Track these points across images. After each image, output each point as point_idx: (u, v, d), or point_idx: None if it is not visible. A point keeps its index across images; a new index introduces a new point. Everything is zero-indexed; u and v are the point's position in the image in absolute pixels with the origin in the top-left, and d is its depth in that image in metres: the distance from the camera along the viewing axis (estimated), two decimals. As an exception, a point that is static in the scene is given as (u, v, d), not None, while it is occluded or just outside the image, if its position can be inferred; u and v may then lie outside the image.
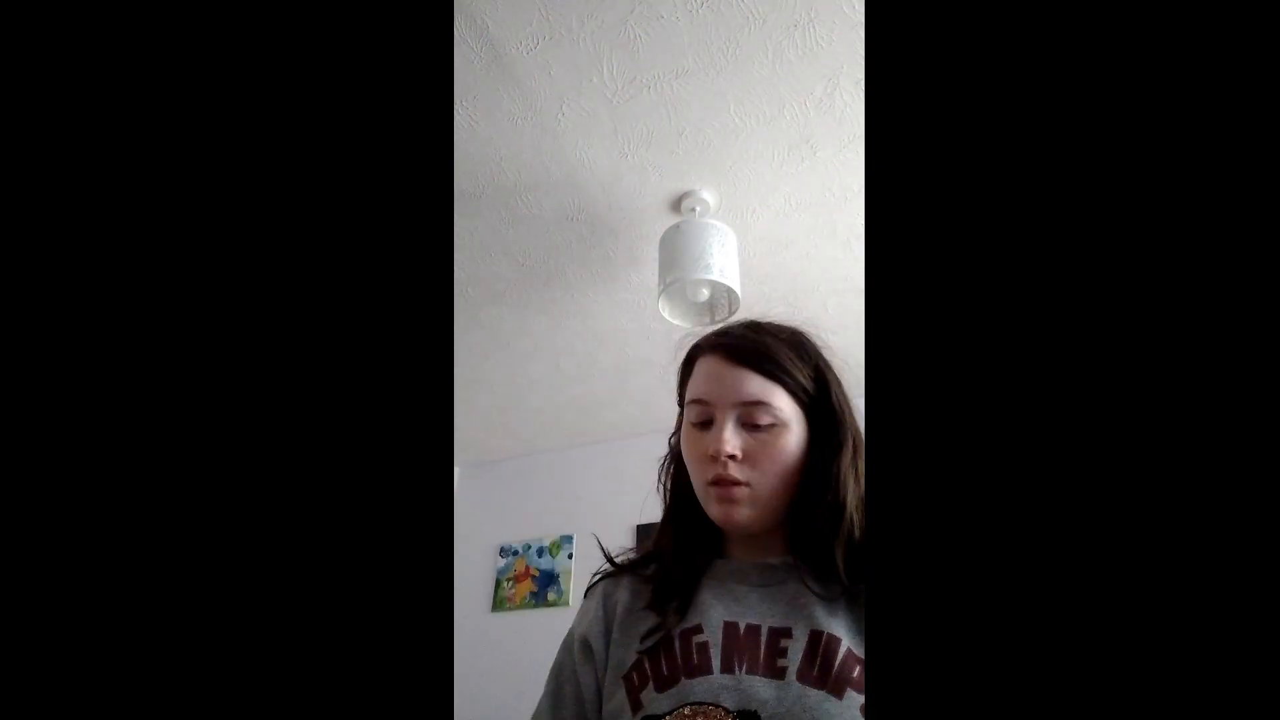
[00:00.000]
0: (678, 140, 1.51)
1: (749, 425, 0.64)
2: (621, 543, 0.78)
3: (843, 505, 0.63)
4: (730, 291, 1.59)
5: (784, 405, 0.64)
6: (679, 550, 0.68)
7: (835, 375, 0.69)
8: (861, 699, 0.55)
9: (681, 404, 0.71)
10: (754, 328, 0.70)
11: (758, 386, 0.64)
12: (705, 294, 1.64)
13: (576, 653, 0.68)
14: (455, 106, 1.41)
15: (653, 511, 0.74)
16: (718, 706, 0.56)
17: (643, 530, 2.35)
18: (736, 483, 0.63)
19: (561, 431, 2.81)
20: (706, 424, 0.65)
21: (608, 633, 0.67)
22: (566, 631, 0.71)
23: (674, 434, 0.74)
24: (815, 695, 0.55)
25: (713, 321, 1.70)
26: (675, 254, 1.55)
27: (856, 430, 0.67)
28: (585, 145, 1.52)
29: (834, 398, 0.67)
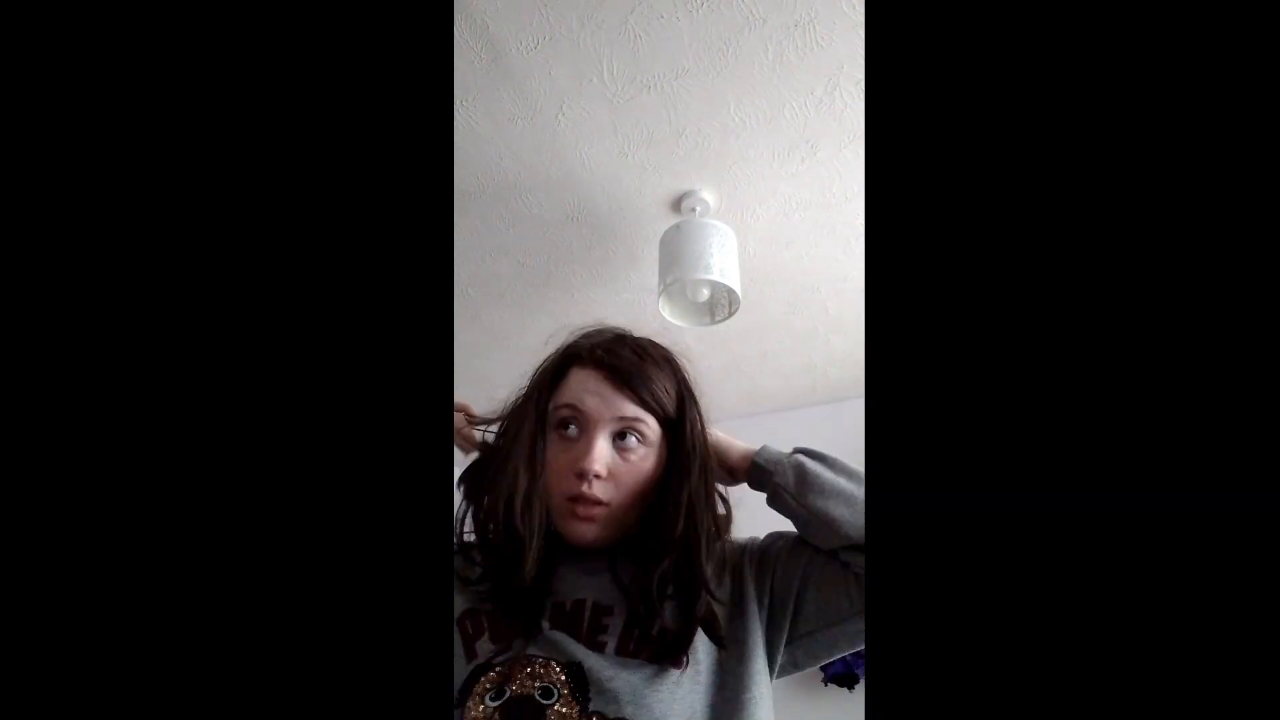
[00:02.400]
0: (678, 140, 1.50)
1: (618, 445, 0.66)
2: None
3: (680, 530, 0.64)
4: (730, 291, 1.59)
5: (653, 428, 0.67)
6: (536, 550, 0.65)
7: (696, 400, 0.71)
8: (677, 673, 0.60)
9: (537, 401, 0.69)
10: (631, 347, 0.71)
11: (634, 410, 0.66)
12: (705, 294, 1.63)
13: None
14: (455, 106, 1.41)
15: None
16: (547, 658, 0.60)
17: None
18: (598, 503, 0.64)
19: (561, 431, 2.80)
20: (573, 438, 0.66)
21: None
22: None
23: (492, 424, 0.72)
24: (633, 662, 0.60)
25: (713, 322, 1.70)
26: (675, 254, 1.55)
27: (705, 454, 0.69)
28: (585, 145, 1.52)
29: (689, 423, 0.69)
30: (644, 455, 0.67)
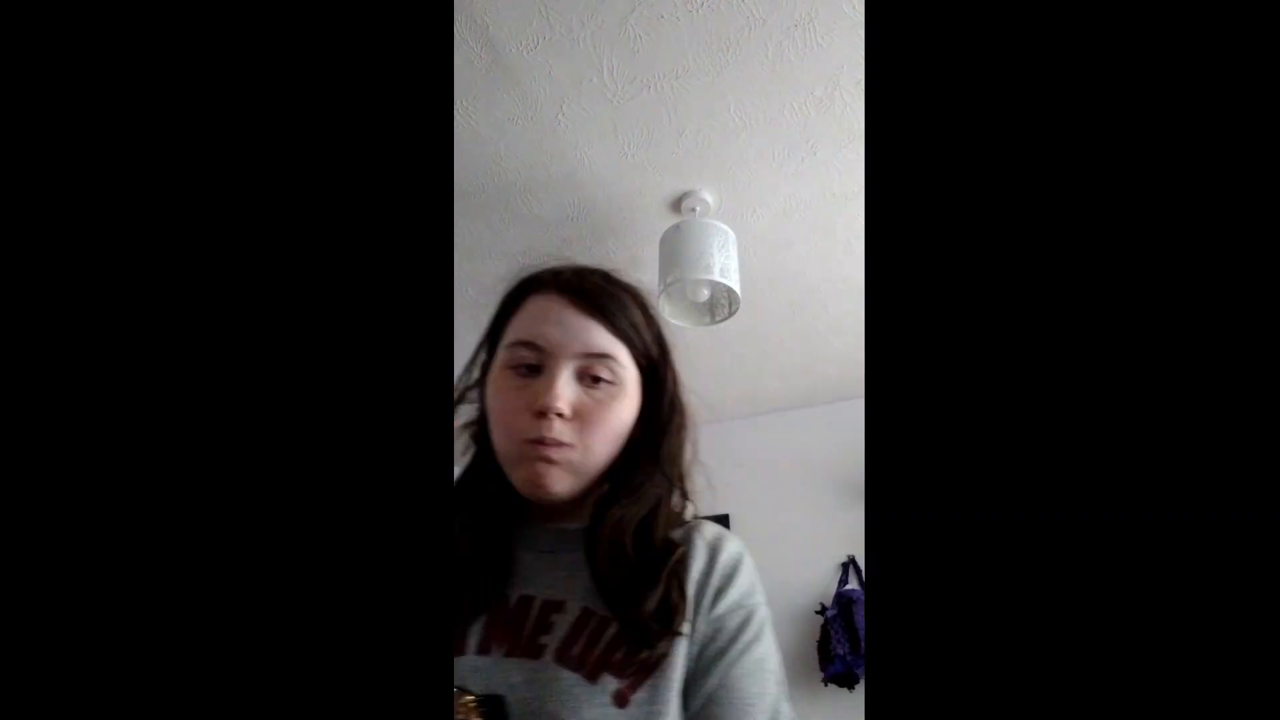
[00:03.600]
0: (678, 140, 1.50)
1: (585, 381, 0.56)
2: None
3: (647, 488, 0.56)
4: (730, 291, 1.59)
5: (626, 365, 0.57)
6: (473, 529, 0.57)
7: (674, 370, 0.61)
8: (617, 684, 0.50)
9: (490, 343, 0.62)
10: (599, 274, 0.61)
11: (604, 339, 0.56)
12: (705, 294, 1.64)
13: None
14: (455, 106, 1.41)
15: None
16: (464, 690, 0.51)
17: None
18: (560, 444, 0.54)
19: (561, 431, 2.81)
20: (531, 372, 0.56)
21: None
22: None
23: (470, 383, 0.63)
24: (569, 678, 0.50)
25: (713, 321, 1.70)
26: (675, 254, 1.55)
27: (677, 402, 0.60)
28: (585, 145, 1.52)
29: (670, 376, 0.60)
30: (615, 394, 0.56)
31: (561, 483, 0.55)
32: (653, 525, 0.56)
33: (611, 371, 0.56)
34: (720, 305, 1.68)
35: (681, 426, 0.60)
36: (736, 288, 1.57)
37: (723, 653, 0.53)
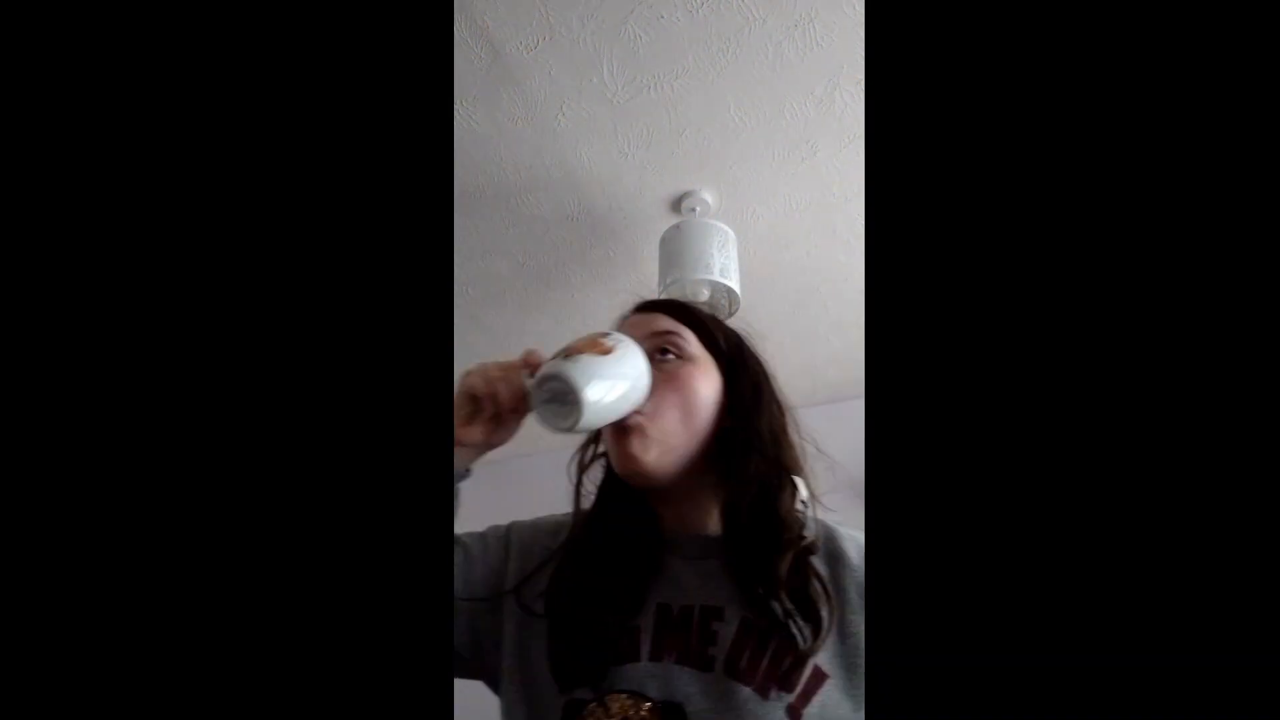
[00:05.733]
0: (678, 140, 1.50)
1: (654, 358, 0.61)
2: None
3: (764, 472, 0.60)
4: (730, 291, 1.59)
5: (691, 340, 0.63)
6: (625, 544, 0.62)
7: (759, 360, 0.66)
8: (789, 698, 0.53)
9: None
10: (679, 299, 0.70)
11: (667, 322, 0.63)
12: (705, 294, 1.63)
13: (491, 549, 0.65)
14: (455, 106, 1.41)
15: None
16: (642, 696, 0.54)
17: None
18: (637, 412, 0.59)
19: (562, 432, 2.80)
20: None
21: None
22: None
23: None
24: (743, 692, 0.53)
25: (713, 321, 1.69)
26: (675, 254, 1.55)
27: (760, 385, 0.64)
28: (585, 146, 1.51)
29: (752, 362, 0.65)
30: (682, 365, 0.62)
31: (643, 450, 0.59)
32: (782, 526, 0.59)
33: (676, 346, 0.62)
34: (720, 305, 1.68)
35: (768, 405, 0.63)
36: (736, 288, 1.56)
37: None
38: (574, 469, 0.68)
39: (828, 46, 1.30)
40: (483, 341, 2.20)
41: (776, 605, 0.56)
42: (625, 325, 0.66)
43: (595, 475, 0.68)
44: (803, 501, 0.61)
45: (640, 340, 0.61)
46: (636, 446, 0.59)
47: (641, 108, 1.43)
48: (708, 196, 1.64)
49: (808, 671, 0.54)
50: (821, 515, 0.63)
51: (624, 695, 0.54)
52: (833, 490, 0.65)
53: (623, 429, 0.59)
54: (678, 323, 0.64)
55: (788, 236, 1.77)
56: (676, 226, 1.59)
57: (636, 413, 0.59)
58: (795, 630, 0.55)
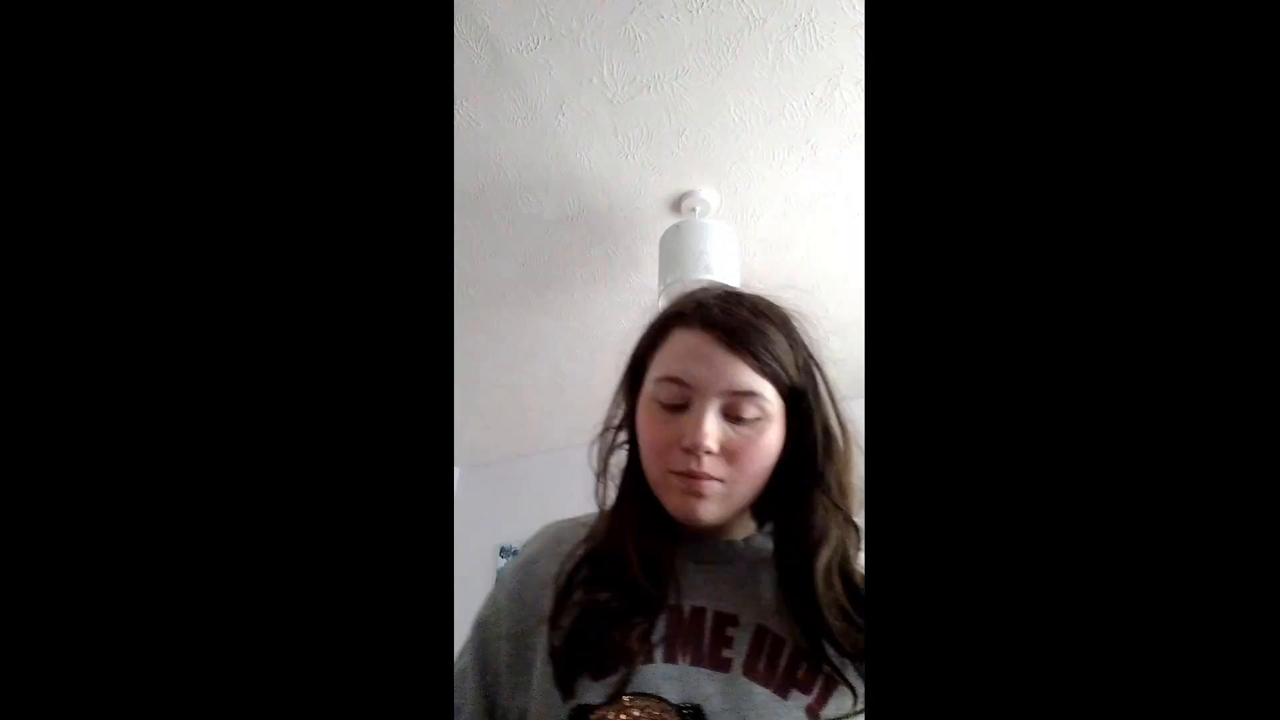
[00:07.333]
0: (678, 140, 1.50)
1: (731, 417, 0.56)
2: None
3: (822, 525, 0.57)
4: (730, 291, 1.59)
5: (771, 399, 0.57)
6: (641, 546, 0.59)
7: (822, 368, 0.61)
8: (807, 699, 0.53)
9: (638, 373, 0.63)
10: (745, 304, 0.60)
11: (749, 378, 0.56)
12: (705, 294, 1.63)
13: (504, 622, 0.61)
14: (455, 106, 1.41)
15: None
16: (660, 699, 0.52)
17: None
18: (710, 478, 0.56)
19: (562, 432, 2.81)
20: (679, 407, 0.57)
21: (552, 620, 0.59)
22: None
23: (618, 409, 0.65)
24: (761, 693, 0.53)
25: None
26: (675, 254, 1.55)
27: (830, 427, 0.60)
28: (585, 145, 1.52)
29: (820, 393, 0.60)
30: (762, 428, 0.57)
31: (711, 513, 0.57)
32: (851, 573, 0.57)
33: (758, 408, 0.56)
34: (720, 305, 1.68)
35: (839, 451, 0.59)
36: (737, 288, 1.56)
37: None
38: (596, 456, 0.64)
39: (828, 46, 1.30)
40: (483, 342, 2.20)
41: (827, 643, 0.55)
42: (688, 354, 0.58)
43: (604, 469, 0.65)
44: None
45: (717, 395, 0.56)
46: (706, 509, 0.57)
47: (641, 108, 1.43)
48: (708, 196, 1.64)
49: (825, 671, 0.54)
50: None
51: (644, 699, 0.52)
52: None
53: (695, 493, 0.56)
54: (760, 377, 0.56)
55: (788, 237, 1.77)
56: (676, 226, 1.59)
57: (715, 479, 0.56)
58: (830, 659, 0.54)
